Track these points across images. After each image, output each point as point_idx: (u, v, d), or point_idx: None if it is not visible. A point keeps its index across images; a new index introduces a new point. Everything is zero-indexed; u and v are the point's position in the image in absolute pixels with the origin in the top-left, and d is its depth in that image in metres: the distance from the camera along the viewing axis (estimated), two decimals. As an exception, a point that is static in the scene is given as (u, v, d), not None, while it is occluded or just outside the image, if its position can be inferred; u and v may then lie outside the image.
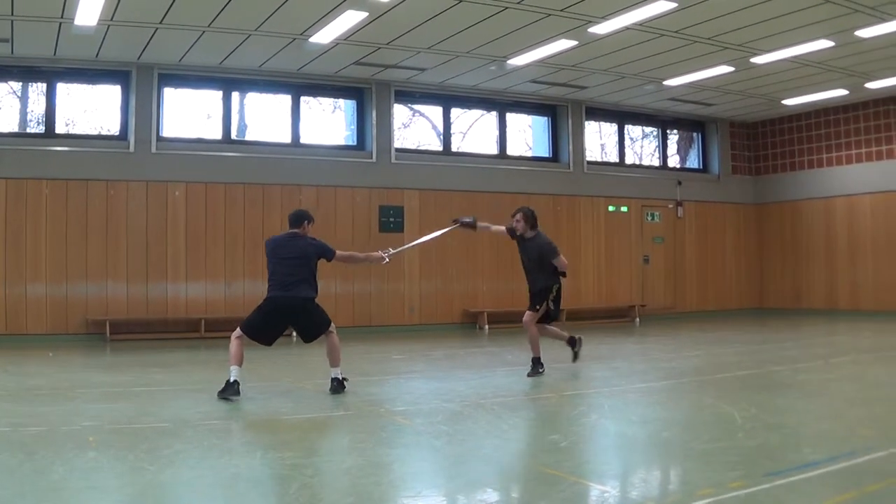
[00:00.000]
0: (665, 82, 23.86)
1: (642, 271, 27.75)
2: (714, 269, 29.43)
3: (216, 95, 23.01)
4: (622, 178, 27.90)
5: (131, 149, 21.38)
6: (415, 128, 26.47)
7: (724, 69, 22.32)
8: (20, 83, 21.85)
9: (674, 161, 30.55)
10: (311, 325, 12.39)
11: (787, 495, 6.89)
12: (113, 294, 20.93)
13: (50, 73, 21.24)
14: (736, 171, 30.30)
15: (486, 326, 22.86)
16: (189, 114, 23.00)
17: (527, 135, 28.02)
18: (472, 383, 13.48)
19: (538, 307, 14.40)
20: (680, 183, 28.79)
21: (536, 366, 14.27)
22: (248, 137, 23.75)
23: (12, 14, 17.38)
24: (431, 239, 16.03)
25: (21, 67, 21.01)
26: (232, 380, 11.55)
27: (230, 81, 22.87)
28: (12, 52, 19.91)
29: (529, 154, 27.61)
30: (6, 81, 21.66)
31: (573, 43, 19.87)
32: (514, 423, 10.52)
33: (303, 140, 23.81)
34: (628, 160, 29.06)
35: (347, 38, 19.48)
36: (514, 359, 16.64)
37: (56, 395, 12.32)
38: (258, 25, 18.60)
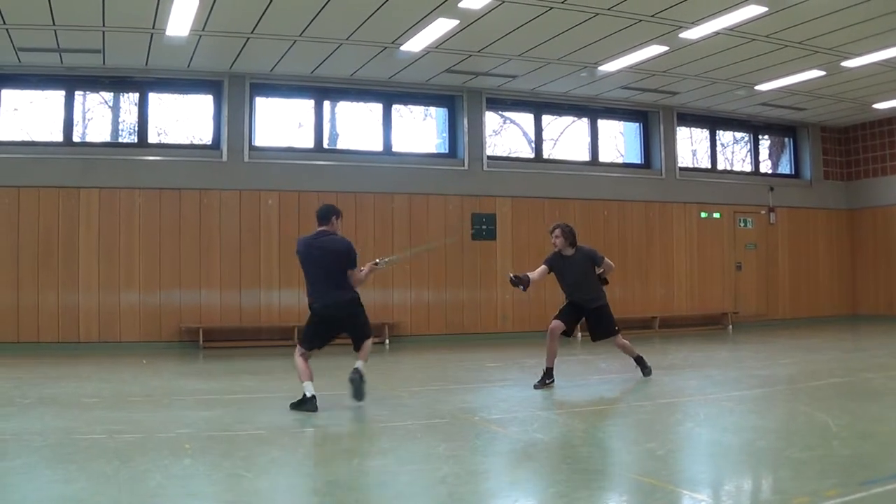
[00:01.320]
0: (756, 87, 23.64)
1: (735, 278, 27.49)
2: (806, 275, 29.07)
3: (308, 104, 23.15)
4: (714, 184, 27.64)
5: (224, 158, 21.59)
6: (506, 135, 26.44)
7: (815, 73, 22.06)
8: (112, 93, 22.12)
9: (765, 167, 30.21)
10: (358, 329, 12.10)
11: (884, 504, 6.81)
12: (206, 302, 21.11)
13: (142, 82, 21.50)
14: (828, 177, 29.93)
15: (580, 335, 22.70)
16: (281, 123, 23.15)
17: (618, 141, 27.86)
18: (566, 392, 13.45)
19: (618, 328, 14.66)
20: (772, 189, 28.50)
21: (643, 365, 14.68)
22: (340, 146, 23.84)
23: (103, 25, 17.58)
24: (421, 251, 15.78)
25: (112, 78, 21.28)
26: (309, 395, 11.43)
27: (321, 90, 22.96)
28: (104, 62, 20.15)
29: (621, 161, 27.44)
30: (98, 92, 21.96)
31: (664, 48, 19.75)
32: (609, 432, 10.51)
33: (395, 148, 23.84)
34: (720, 166, 28.80)
35: (438, 46, 19.48)
36: (607, 367, 16.61)
37: (151, 403, 12.44)
38: (349, 34, 18.67)
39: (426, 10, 17.07)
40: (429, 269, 22.79)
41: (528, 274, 14.05)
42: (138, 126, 21.71)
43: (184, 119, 22.49)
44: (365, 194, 22.44)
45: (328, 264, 11.86)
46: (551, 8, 16.97)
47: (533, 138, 25.80)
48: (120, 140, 22.03)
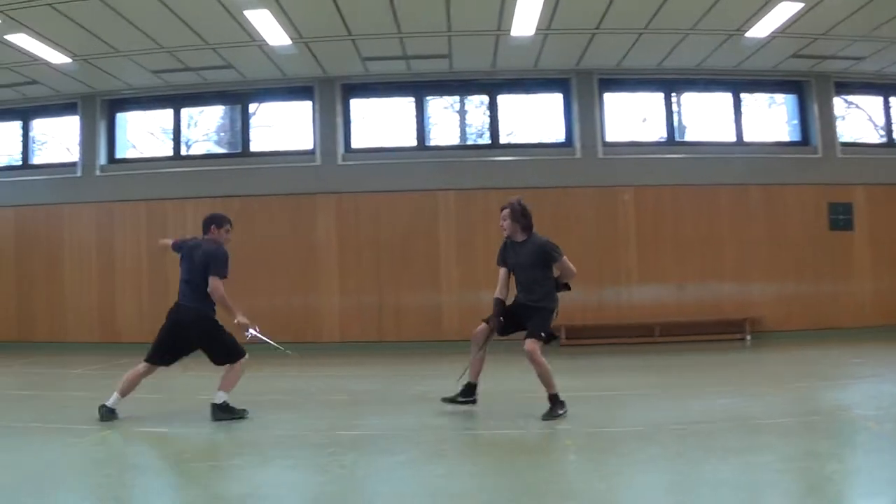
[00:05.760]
0: None
1: None
2: None
3: (655, 97, 23.17)
4: None
5: (577, 155, 21.93)
6: (850, 119, 25.44)
7: None
8: (458, 97, 23.05)
9: None
10: (215, 347, 11.26)
11: None
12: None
13: (489, 85, 22.19)
14: None
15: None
16: (628, 117, 23.28)
17: None
18: None
19: (542, 334, 10.84)
20: None
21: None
22: (688, 138, 23.67)
23: (449, 31, 18.20)
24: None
25: (459, 81, 22.13)
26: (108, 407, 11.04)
27: (668, 82, 22.92)
28: (451, 67, 20.82)
29: None
30: (444, 96, 22.89)
31: None
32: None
33: (745, 138, 23.31)
34: None
35: (783, 30, 19.12)
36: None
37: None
38: (694, 24, 18.65)
39: (768, -4, 16.86)
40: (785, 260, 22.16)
41: (497, 297, 11.18)
42: (490, 128, 22.64)
43: (533, 118, 23.06)
44: (718, 187, 22.08)
45: (192, 272, 11.34)
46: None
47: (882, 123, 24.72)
48: (467, 142, 23.09)
